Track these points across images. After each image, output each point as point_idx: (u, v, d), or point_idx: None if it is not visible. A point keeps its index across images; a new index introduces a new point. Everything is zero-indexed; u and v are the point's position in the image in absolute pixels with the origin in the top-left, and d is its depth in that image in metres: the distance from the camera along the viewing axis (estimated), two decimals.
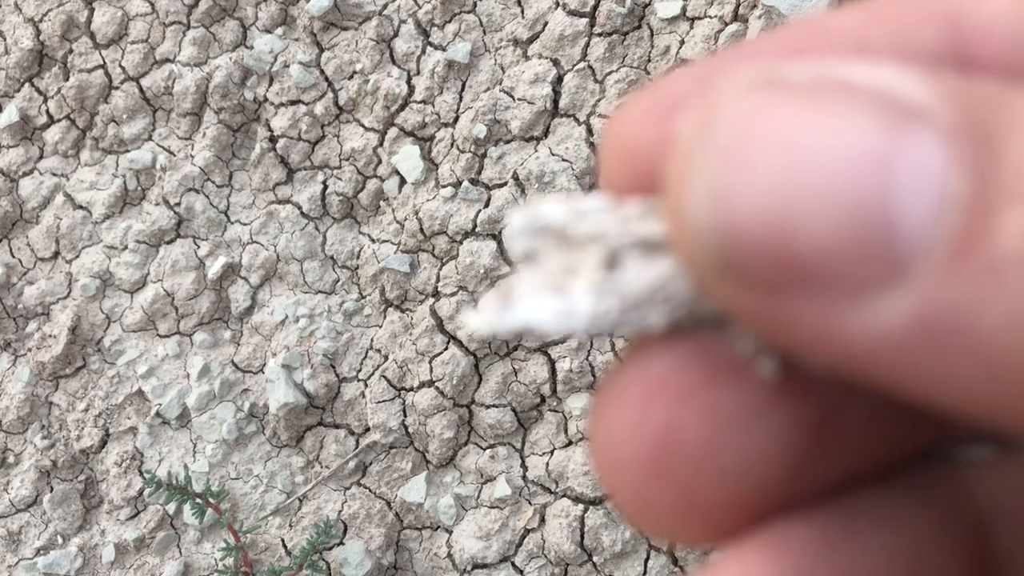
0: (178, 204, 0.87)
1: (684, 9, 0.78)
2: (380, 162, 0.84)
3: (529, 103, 0.81)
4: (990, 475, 0.22)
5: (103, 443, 0.86)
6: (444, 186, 0.82)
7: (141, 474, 0.84)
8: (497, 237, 0.80)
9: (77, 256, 0.89)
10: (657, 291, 0.20)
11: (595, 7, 0.80)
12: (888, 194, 0.15)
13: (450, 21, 0.84)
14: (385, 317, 0.83)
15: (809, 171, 0.16)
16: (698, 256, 0.17)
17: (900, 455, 0.22)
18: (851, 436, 0.21)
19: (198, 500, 0.79)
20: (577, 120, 0.80)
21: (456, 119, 0.83)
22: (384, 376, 0.82)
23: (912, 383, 0.16)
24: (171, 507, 0.83)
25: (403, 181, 0.84)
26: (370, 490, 0.82)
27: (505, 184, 0.81)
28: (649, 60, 0.80)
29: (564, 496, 0.79)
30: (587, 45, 0.80)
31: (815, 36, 0.20)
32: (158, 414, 0.86)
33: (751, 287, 0.17)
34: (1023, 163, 0.15)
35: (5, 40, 0.92)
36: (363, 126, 0.85)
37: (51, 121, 0.91)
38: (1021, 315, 0.15)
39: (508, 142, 0.81)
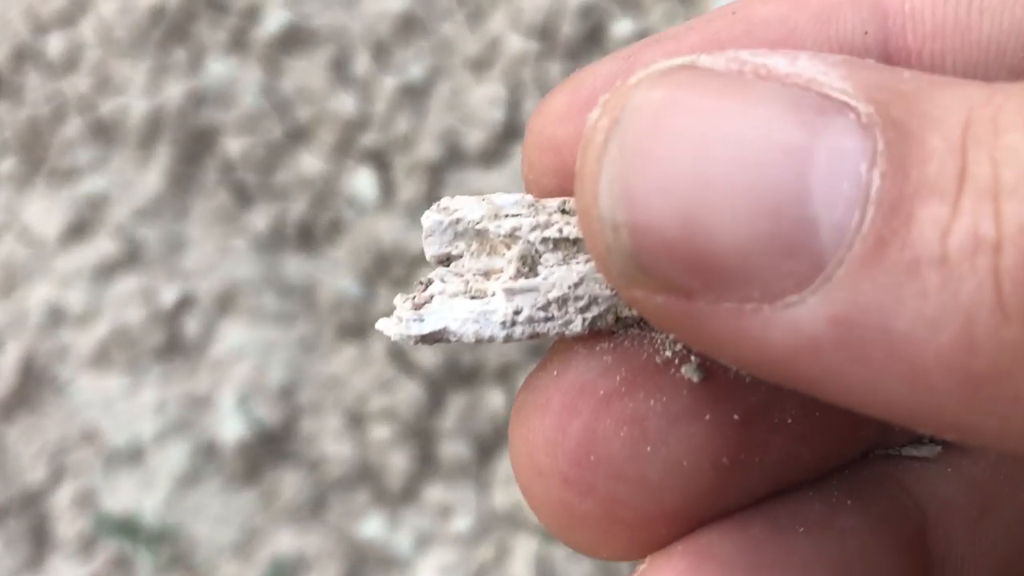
0: (131, 235, 0.86)
1: (639, 28, 0.77)
2: (337, 188, 0.83)
3: (486, 126, 0.79)
4: (930, 474, 0.21)
5: (55, 481, 0.84)
6: (402, 211, 0.80)
7: (94, 513, 0.82)
8: None
9: (29, 289, 0.87)
10: (576, 292, 0.19)
11: (550, 29, 0.79)
12: (806, 190, 0.15)
13: (406, 45, 0.83)
14: (343, 347, 0.82)
15: (723, 166, 0.15)
16: (609, 257, 0.16)
17: (836, 456, 0.21)
18: (781, 439, 0.20)
19: (151, 539, 0.76)
20: None
21: (413, 143, 0.81)
22: (341, 407, 0.80)
23: (833, 387, 0.15)
24: (124, 547, 0.81)
25: (360, 207, 0.82)
26: (328, 525, 0.80)
27: None
28: None
29: (526, 529, 0.77)
30: (543, 67, 0.79)
31: (738, 23, 0.19)
32: (112, 450, 0.83)
33: (663, 289, 0.16)
34: (942, 155, 0.14)
35: None
36: (319, 152, 0.84)
37: (2, 152, 0.89)
38: (938, 314, 0.14)
39: (465, 166, 0.80)
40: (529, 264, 0.19)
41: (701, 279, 0.15)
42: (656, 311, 0.16)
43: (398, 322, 0.20)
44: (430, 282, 0.19)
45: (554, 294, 0.19)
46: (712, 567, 0.19)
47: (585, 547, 0.20)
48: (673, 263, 0.15)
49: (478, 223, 0.19)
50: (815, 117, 0.15)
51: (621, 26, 0.78)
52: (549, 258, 0.19)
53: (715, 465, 0.19)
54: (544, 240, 0.19)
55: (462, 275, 0.20)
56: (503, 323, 0.19)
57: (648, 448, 0.19)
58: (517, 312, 0.19)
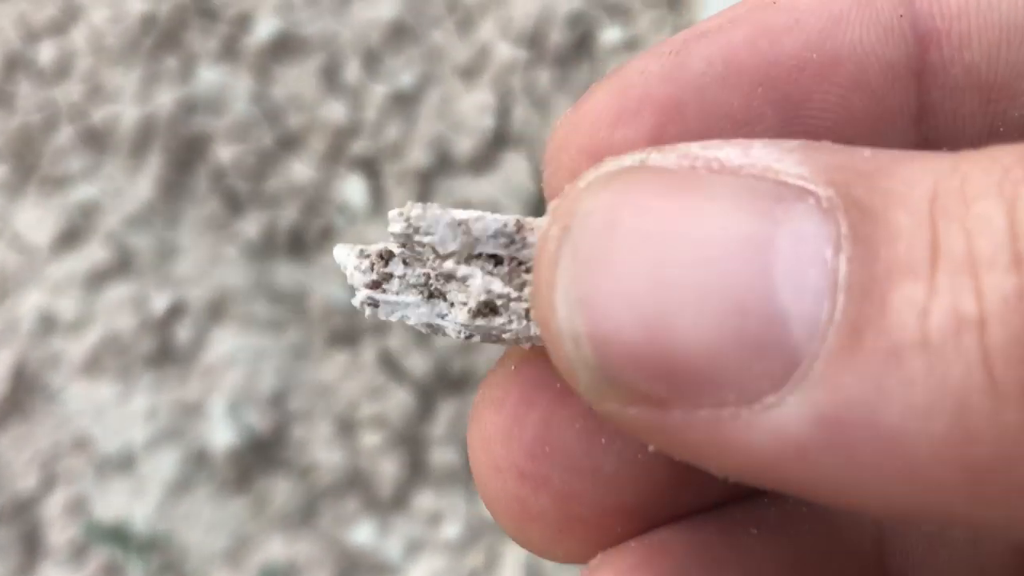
0: (123, 242, 0.86)
1: (628, 35, 0.77)
2: (327, 196, 0.83)
3: (475, 134, 0.79)
4: None
5: (46, 489, 0.84)
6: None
7: (85, 521, 0.82)
8: None
9: (21, 297, 0.87)
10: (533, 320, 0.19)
11: (539, 37, 0.79)
12: (771, 283, 0.14)
13: (396, 52, 0.83)
14: (333, 354, 0.82)
15: (681, 266, 0.14)
16: (573, 370, 0.15)
17: None
18: None
19: (142, 547, 0.76)
20: (523, 150, 0.79)
21: (403, 151, 0.81)
22: (332, 415, 0.80)
23: (825, 490, 0.14)
24: (115, 554, 0.81)
25: (351, 214, 0.82)
26: (319, 532, 0.80)
27: None
28: None
29: None
30: (532, 75, 0.79)
31: (783, 13, 0.19)
32: (103, 458, 0.83)
33: (634, 400, 0.15)
34: (910, 231, 0.14)
35: None
36: (310, 159, 0.84)
37: None
38: (928, 402, 0.13)
39: (455, 173, 0.80)
40: (491, 309, 0.19)
41: (671, 387, 0.14)
42: (630, 424, 0.15)
43: (352, 291, 0.19)
44: (390, 255, 0.19)
45: (513, 327, 0.19)
46: (663, 564, 0.19)
47: (539, 546, 0.20)
48: (640, 372, 0.15)
49: (444, 259, 0.19)
50: (773, 205, 0.14)
51: (610, 34, 0.78)
52: (516, 297, 0.19)
53: (669, 461, 0.18)
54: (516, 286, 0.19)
55: (424, 264, 0.19)
56: (453, 333, 0.19)
57: (603, 440, 0.18)
58: (470, 336, 0.19)
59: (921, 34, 0.19)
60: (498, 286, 0.18)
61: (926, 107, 0.20)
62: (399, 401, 0.78)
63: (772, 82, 0.19)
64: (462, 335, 0.19)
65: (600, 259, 0.15)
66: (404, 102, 0.82)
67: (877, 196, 0.14)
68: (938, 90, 0.20)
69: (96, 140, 0.87)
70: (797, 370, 0.14)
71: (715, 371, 0.14)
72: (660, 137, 0.18)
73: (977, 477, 0.13)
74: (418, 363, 0.79)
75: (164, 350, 0.84)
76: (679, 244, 0.14)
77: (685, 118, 0.18)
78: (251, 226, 0.84)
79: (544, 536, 0.20)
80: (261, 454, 0.81)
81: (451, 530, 0.78)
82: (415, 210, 0.18)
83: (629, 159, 0.16)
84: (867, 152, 0.15)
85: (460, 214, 0.18)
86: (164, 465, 0.82)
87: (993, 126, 0.20)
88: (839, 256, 0.14)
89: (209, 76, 0.86)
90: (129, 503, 0.82)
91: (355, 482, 0.80)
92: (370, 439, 0.79)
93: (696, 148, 0.16)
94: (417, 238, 0.18)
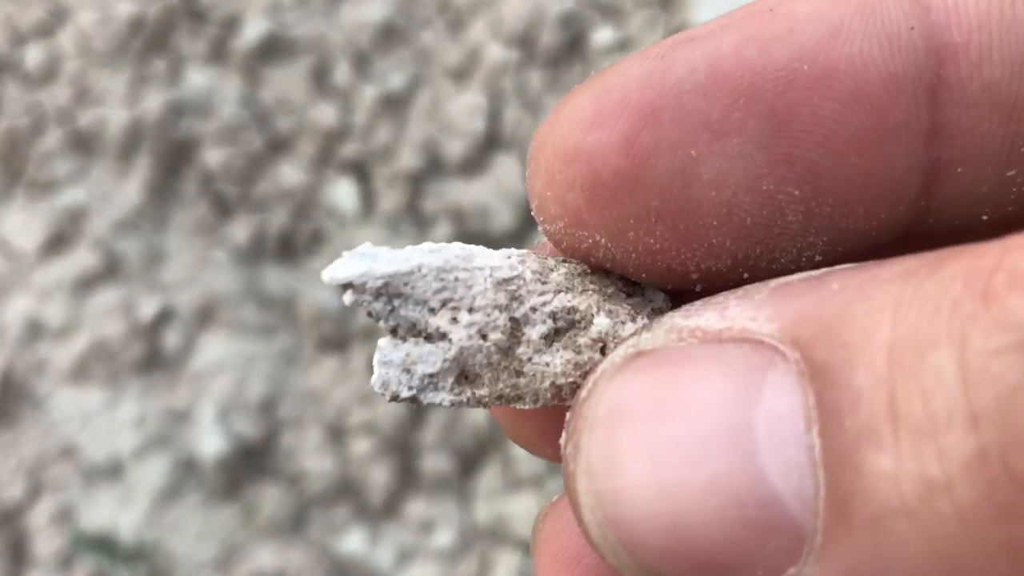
0: (111, 247, 0.85)
1: (620, 36, 0.76)
2: (317, 199, 0.82)
3: (466, 136, 0.78)
4: None
5: (32, 498, 0.83)
6: (383, 222, 0.79)
7: (71, 530, 0.81)
8: None
9: (7, 303, 0.86)
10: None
11: (530, 38, 0.78)
12: (760, 469, 0.15)
13: (386, 54, 0.82)
14: (323, 359, 0.81)
15: (681, 469, 0.15)
16: (622, 571, 0.17)
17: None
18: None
19: (129, 556, 0.75)
20: (515, 152, 0.78)
21: (393, 153, 0.80)
22: (322, 421, 0.79)
23: None
24: (102, 564, 0.80)
25: (341, 218, 0.81)
26: (308, 541, 0.79)
27: (443, 218, 0.78)
28: None
29: (508, 543, 0.76)
30: (523, 76, 0.78)
31: (780, 21, 0.19)
32: (90, 466, 0.82)
33: None
34: (870, 396, 0.14)
35: None
36: (299, 162, 0.83)
37: None
38: (923, 562, 0.13)
39: (446, 176, 0.79)
40: (465, 377, 0.20)
41: (706, 574, 0.16)
42: None
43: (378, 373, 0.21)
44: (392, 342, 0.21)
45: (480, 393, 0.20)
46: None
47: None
48: (674, 567, 0.16)
49: (431, 375, 0.20)
50: (750, 377, 0.15)
51: (602, 35, 0.77)
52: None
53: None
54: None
55: (418, 328, 0.20)
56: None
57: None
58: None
59: (936, 47, 0.19)
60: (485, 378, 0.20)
61: (940, 124, 0.19)
62: (390, 408, 0.77)
63: (757, 93, 0.18)
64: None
65: (610, 476, 0.16)
66: (394, 104, 0.81)
67: (837, 353, 0.14)
68: (954, 107, 0.19)
69: (83, 144, 0.86)
70: (805, 545, 0.14)
71: (735, 557, 0.15)
72: (633, 143, 0.18)
73: None
74: None
75: (152, 356, 0.83)
76: (673, 449, 0.15)
77: (661, 125, 0.18)
78: (240, 230, 0.83)
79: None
80: (250, 462, 0.80)
81: (443, 538, 0.77)
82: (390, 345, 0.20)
83: (623, 350, 0.17)
84: (836, 284, 0.15)
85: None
86: (152, 473, 0.81)
87: (1014, 145, 0.20)
88: (812, 431, 0.14)
89: (197, 79, 0.85)
90: (116, 512, 0.81)
91: (345, 490, 0.79)
92: (360, 446, 0.78)
93: (679, 319, 0.17)
94: (405, 357, 0.20)
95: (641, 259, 0.20)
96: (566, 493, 0.17)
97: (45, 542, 0.81)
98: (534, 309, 0.20)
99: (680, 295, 0.21)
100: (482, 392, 0.20)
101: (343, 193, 0.81)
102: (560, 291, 0.20)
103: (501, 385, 0.20)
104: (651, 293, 0.21)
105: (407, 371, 0.20)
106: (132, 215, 0.85)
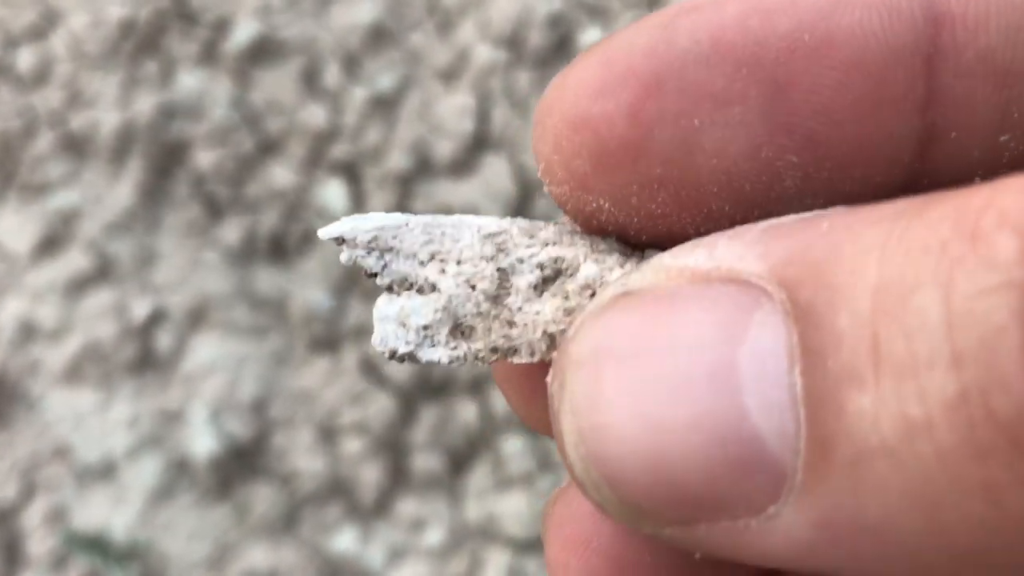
0: (103, 249, 0.85)
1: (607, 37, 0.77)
2: (307, 200, 0.82)
3: (455, 137, 0.79)
4: None
5: (26, 498, 0.83)
6: None
7: (64, 530, 0.82)
8: None
9: (1, 304, 0.87)
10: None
11: (519, 39, 0.78)
12: (741, 407, 0.15)
13: (376, 55, 0.82)
14: (314, 360, 0.81)
15: (662, 408, 0.15)
16: (605, 508, 0.17)
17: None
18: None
19: (122, 556, 0.76)
20: (503, 153, 0.78)
21: (383, 154, 0.81)
22: (313, 421, 0.80)
23: (842, 572, 0.15)
24: (95, 564, 0.81)
25: (331, 218, 0.81)
26: (300, 540, 0.80)
27: None
28: None
29: (499, 541, 0.76)
30: (512, 76, 0.79)
31: None
32: (83, 466, 0.83)
33: (662, 524, 0.16)
34: (852, 337, 0.14)
35: None
36: (290, 164, 0.83)
37: None
38: (901, 504, 0.13)
39: (435, 176, 0.79)
40: (459, 331, 0.20)
41: (686, 511, 0.16)
42: (669, 540, 0.17)
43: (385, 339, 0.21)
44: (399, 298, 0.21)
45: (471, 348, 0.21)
46: None
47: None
48: (656, 503, 0.16)
49: (423, 332, 0.20)
50: (736, 317, 0.15)
51: (589, 35, 0.77)
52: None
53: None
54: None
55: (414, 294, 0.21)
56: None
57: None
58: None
59: (933, 16, 0.19)
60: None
61: (935, 92, 0.20)
62: (381, 407, 0.78)
63: (759, 62, 0.19)
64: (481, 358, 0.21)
65: (594, 413, 0.16)
66: (384, 105, 0.82)
67: (822, 294, 0.14)
68: (949, 75, 0.19)
69: (76, 146, 0.86)
70: (786, 483, 0.15)
71: (716, 495, 0.15)
72: (638, 112, 0.19)
73: (964, 561, 0.14)
74: (399, 369, 0.78)
75: (145, 357, 0.84)
76: (656, 387, 0.15)
77: (664, 95, 0.19)
78: (231, 232, 0.83)
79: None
80: (242, 462, 0.81)
81: (434, 536, 0.77)
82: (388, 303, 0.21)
83: (611, 289, 0.17)
84: (825, 225, 0.15)
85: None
86: (145, 473, 0.82)
87: (1007, 111, 0.20)
88: (794, 370, 0.14)
89: (189, 81, 0.85)
90: (109, 512, 0.82)
91: (337, 489, 0.79)
92: (352, 446, 0.78)
93: (668, 259, 0.17)
94: (403, 319, 0.20)
95: (643, 223, 0.20)
96: (552, 430, 0.17)
97: (38, 542, 0.82)
98: (521, 260, 0.20)
99: None
100: (477, 346, 0.20)
101: (333, 194, 0.81)
102: (548, 244, 0.20)
103: (494, 336, 0.20)
104: (650, 252, 0.21)
105: (402, 325, 0.20)
106: (124, 217, 0.85)
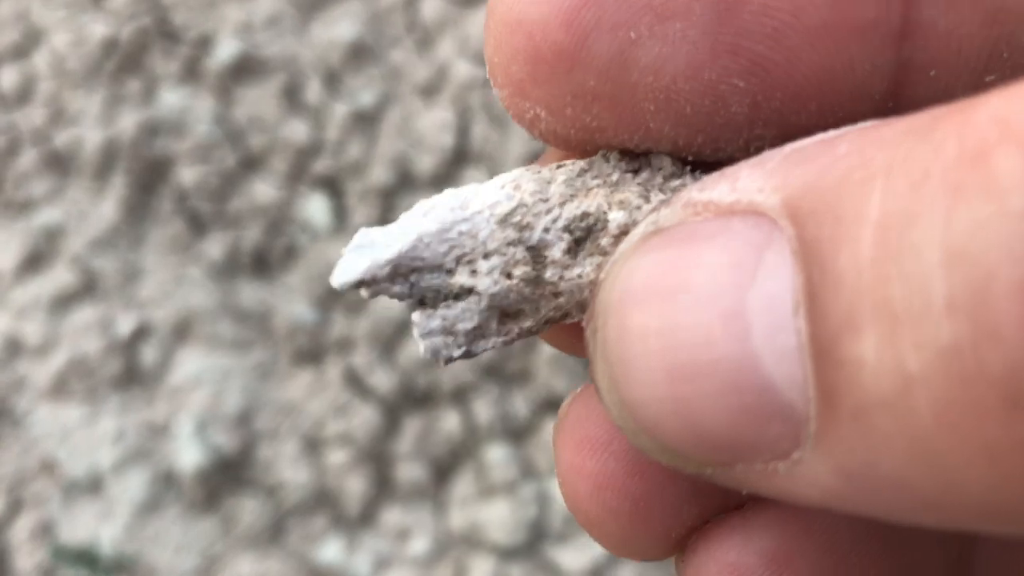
0: (88, 265, 0.86)
1: None
2: (290, 215, 0.83)
3: (436, 151, 0.80)
4: None
5: (13, 513, 0.84)
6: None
7: (51, 544, 0.82)
8: None
9: None
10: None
11: None
12: (753, 355, 0.14)
13: (356, 72, 0.84)
14: (298, 372, 0.82)
15: (683, 353, 0.15)
16: (651, 452, 0.17)
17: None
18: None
19: (110, 569, 0.76)
20: (483, 167, 0.80)
21: (365, 169, 0.82)
22: (298, 433, 0.81)
23: (868, 515, 0.15)
24: None
25: (314, 233, 0.83)
26: (287, 550, 0.81)
27: None
28: None
29: (484, 549, 0.77)
30: (491, 92, 0.80)
31: None
32: (70, 481, 0.83)
33: (703, 464, 0.16)
34: (852, 281, 0.13)
35: None
36: (272, 179, 0.84)
37: None
38: (908, 456, 0.13)
39: (417, 190, 0.81)
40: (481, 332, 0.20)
41: (720, 456, 0.16)
42: (713, 478, 0.16)
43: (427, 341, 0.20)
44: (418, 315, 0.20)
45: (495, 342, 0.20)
46: (760, 538, 0.20)
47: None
48: (689, 448, 0.16)
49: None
50: (748, 256, 0.15)
51: None
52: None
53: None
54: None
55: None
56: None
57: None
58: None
59: None
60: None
61: (913, 24, 0.18)
62: (365, 418, 0.79)
63: None
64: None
65: (623, 359, 0.16)
66: (365, 121, 0.83)
67: (827, 230, 0.14)
68: (930, 6, 0.18)
69: (59, 164, 0.87)
70: (803, 430, 0.14)
71: (741, 440, 0.15)
72: (573, 19, 0.18)
73: (979, 513, 0.13)
74: (383, 380, 0.80)
75: (130, 372, 0.85)
76: (679, 333, 0.15)
77: (603, 3, 0.18)
78: (215, 247, 0.84)
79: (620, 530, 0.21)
80: (228, 474, 0.81)
81: (419, 545, 0.78)
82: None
83: (642, 227, 0.17)
84: (843, 147, 0.14)
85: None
86: (131, 487, 0.82)
87: (995, 49, 0.18)
88: (799, 316, 0.14)
89: (171, 98, 0.86)
90: (97, 526, 0.82)
91: (322, 500, 0.80)
92: (336, 457, 0.79)
93: (695, 192, 0.16)
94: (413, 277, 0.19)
95: (579, 135, 0.19)
96: (589, 374, 0.17)
97: (26, 557, 0.82)
98: (546, 230, 0.19)
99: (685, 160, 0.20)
100: (528, 324, 0.19)
101: (316, 208, 0.82)
102: (564, 202, 0.19)
103: (544, 311, 0.19)
104: (656, 159, 0.20)
105: (450, 334, 0.19)
106: (108, 233, 0.86)
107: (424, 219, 0.19)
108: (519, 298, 0.19)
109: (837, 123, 0.18)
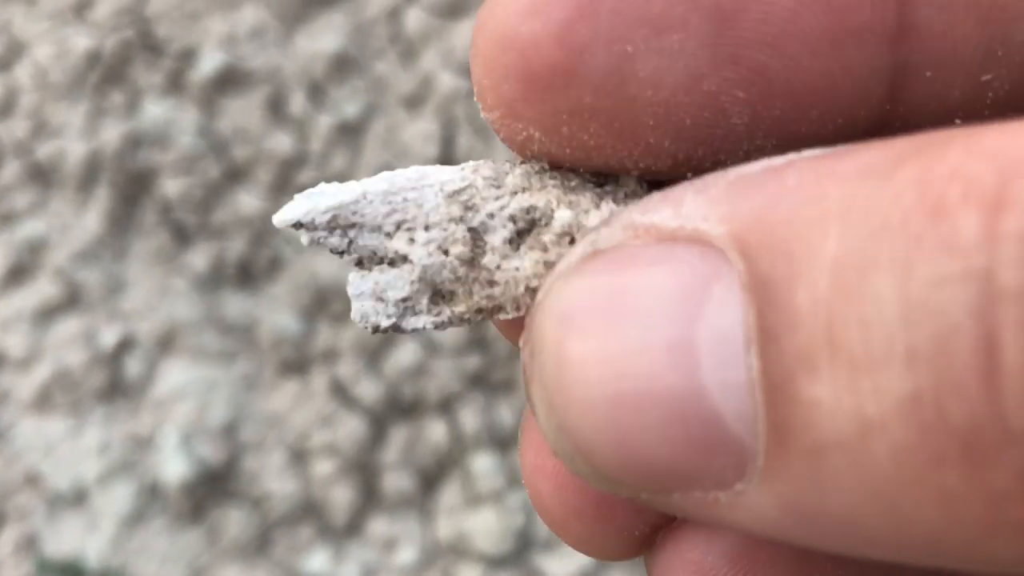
0: (71, 277, 0.86)
1: None
2: (274, 226, 0.83)
3: (420, 162, 0.81)
4: None
5: None
6: None
7: (36, 557, 0.82)
8: None
9: None
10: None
11: None
12: (700, 387, 0.14)
13: (341, 84, 0.84)
14: (283, 383, 0.82)
15: (624, 383, 0.15)
16: (585, 477, 0.16)
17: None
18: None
19: None
20: None
21: (350, 179, 0.82)
22: (284, 444, 0.81)
23: (816, 548, 0.15)
24: None
25: (298, 244, 0.83)
26: (273, 561, 0.81)
27: None
28: None
29: (470, 558, 0.78)
30: (474, 104, 0.81)
31: None
32: (55, 494, 0.83)
33: (639, 491, 0.16)
34: (809, 319, 0.13)
35: None
36: (256, 190, 0.84)
37: None
38: (859, 499, 0.13)
39: None
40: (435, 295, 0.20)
41: (659, 484, 0.15)
42: (650, 504, 0.16)
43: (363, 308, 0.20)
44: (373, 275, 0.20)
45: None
46: (720, 541, 0.20)
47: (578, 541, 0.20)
48: (627, 476, 0.15)
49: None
50: (695, 287, 0.15)
51: None
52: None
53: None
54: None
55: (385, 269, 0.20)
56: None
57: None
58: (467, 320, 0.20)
59: None
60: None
61: (909, 26, 0.18)
62: (350, 428, 0.79)
63: None
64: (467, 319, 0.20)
65: (561, 384, 0.16)
66: (349, 132, 0.83)
67: (780, 267, 0.14)
68: (925, 7, 0.18)
69: (42, 176, 0.87)
70: (749, 464, 0.14)
71: (683, 470, 0.15)
72: (568, 35, 0.18)
73: (923, 554, 0.13)
74: (368, 390, 0.80)
75: (115, 384, 0.85)
76: (621, 361, 0.15)
77: (598, 16, 0.17)
78: (199, 258, 0.84)
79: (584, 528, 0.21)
80: (214, 485, 0.81)
81: (405, 555, 0.78)
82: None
83: (580, 248, 0.16)
84: (792, 179, 0.14)
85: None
86: (117, 499, 0.82)
87: (990, 49, 0.18)
88: (751, 351, 0.14)
89: (154, 110, 0.86)
90: (82, 538, 0.82)
91: (308, 510, 0.80)
92: (322, 467, 0.79)
93: (636, 215, 0.16)
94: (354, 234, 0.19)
95: (575, 154, 0.19)
96: (526, 396, 0.17)
97: (10, 571, 0.82)
98: (491, 215, 0.19)
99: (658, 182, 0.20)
100: (460, 309, 0.19)
101: None
102: (516, 192, 0.19)
103: (476, 298, 0.19)
104: (624, 179, 0.20)
105: (380, 299, 0.19)
106: (92, 245, 0.86)
107: (376, 181, 0.19)
108: (452, 277, 0.19)
109: (837, 130, 0.19)
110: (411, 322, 0.19)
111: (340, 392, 0.80)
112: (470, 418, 0.78)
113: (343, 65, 0.84)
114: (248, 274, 0.84)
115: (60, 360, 0.84)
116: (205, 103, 0.86)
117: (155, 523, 0.82)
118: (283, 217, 0.19)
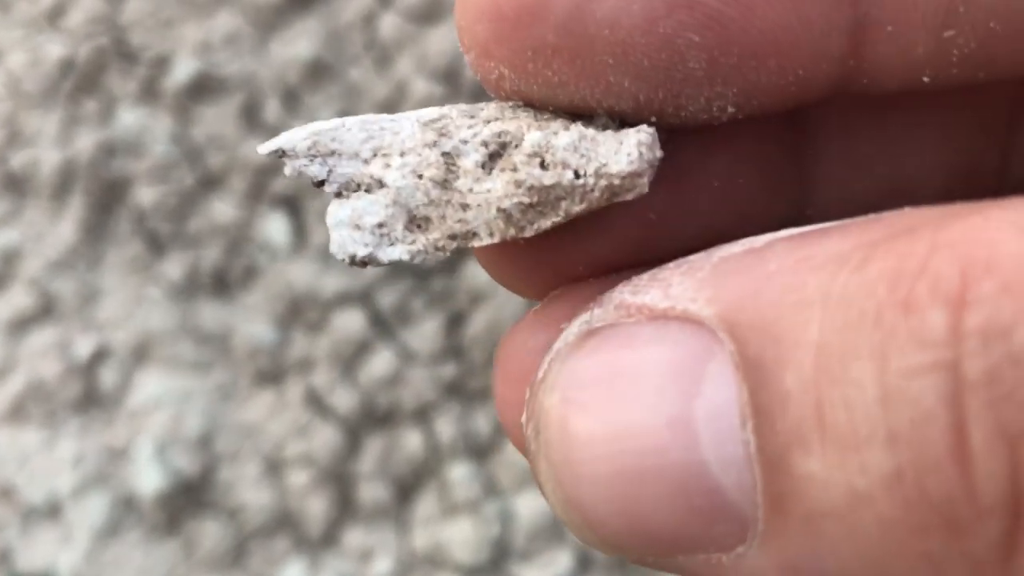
0: (45, 288, 0.85)
1: None
2: (249, 234, 0.83)
3: None
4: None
5: None
6: (315, 256, 0.81)
7: (9, 573, 0.81)
8: (368, 306, 0.79)
9: None
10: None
11: (454, 73, 0.80)
12: (701, 461, 0.15)
13: (315, 90, 0.83)
14: (259, 393, 0.81)
15: (628, 458, 0.16)
16: (593, 544, 0.17)
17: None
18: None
19: None
20: None
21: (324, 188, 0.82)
22: (259, 455, 0.80)
23: None
24: None
25: (273, 253, 0.82)
26: (249, 573, 0.80)
27: None
28: None
29: (447, 569, 0.77)
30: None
31: None
32: (28, 507, 0.82)
33: (644, 555, 0.17)
34: (798, 399, 0.14)
35: None
36: (231, 199, 0.84)
37: None
38: (855, 566, 0.14)
39: None
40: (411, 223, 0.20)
41: (665, 550, 0.16)
42: (653, 565, 0.17)
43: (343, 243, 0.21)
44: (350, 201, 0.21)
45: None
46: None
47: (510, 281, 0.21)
48: (634, 543, 0.16)
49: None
50: (690, 366, 0.15)
51: None
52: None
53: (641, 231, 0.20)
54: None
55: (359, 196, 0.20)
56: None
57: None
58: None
59: None
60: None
61: (868, 18, 0.19)
62: (325, 439, 0.78)
63: None
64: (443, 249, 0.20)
65: (567, 461, 0.17)
66: None
67: (769, 351, 0.15)
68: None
69: (16, 185, 0.86)
70: (750, 529, 0.15)
71: (687, 539, 0.16)
72: None
73: None
74: (344, 400, 0.79)
75: (89, 395, 0.84)
76: (623, 437, 0.16)
77: None
78: (174, 267, 0.84)
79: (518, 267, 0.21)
80: (189, 497, 0.81)
81: (382, 566, 0.78)
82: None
83: (576, 327, 0.18)
84: (772, 264, 0.15)
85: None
86: (91, 512, 0.81)
87: (951, 6, 0.19)
88: (746, 427, 0.15)
89: (128, 118, 0.85)
90: (55, 552, 0.81)
91: (284, 522, 0.79)
92: (298, 478, 0.79)
93: (628, 295, 0.17)
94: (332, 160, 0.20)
95: (542, 91, 0.20)
96: (532, 473, 0.18)
97: None
98: (464, 141, 0.20)
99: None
100: (435, 235, 0.20)
101: (275, 228, 0.82)
102: (489, 121, 0.20)
103: (450, 223, 0.20)
104: (596, 118, 0.21)
105: (357, 227, 0.20)
106: (66, 255, 0.85)
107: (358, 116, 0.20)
108: (426, 200, 0.20)
109: (798, 82, 0.19)
110: (387, 252, 0.20)
111: (315, 402, 0.79)
112: (446, 427, 0.77)
113: (317, 71, 0.83)
114: (223, 283, 0.83)
115: (34, 371, 0.83)
116: (179, 111, 0.85)
117: (130, 536, 0.81)
118: (267, 146, 0.21)
